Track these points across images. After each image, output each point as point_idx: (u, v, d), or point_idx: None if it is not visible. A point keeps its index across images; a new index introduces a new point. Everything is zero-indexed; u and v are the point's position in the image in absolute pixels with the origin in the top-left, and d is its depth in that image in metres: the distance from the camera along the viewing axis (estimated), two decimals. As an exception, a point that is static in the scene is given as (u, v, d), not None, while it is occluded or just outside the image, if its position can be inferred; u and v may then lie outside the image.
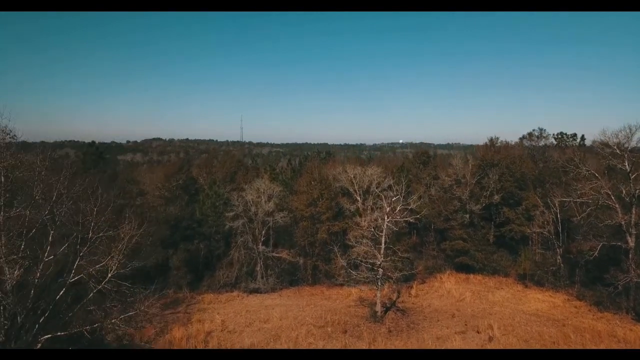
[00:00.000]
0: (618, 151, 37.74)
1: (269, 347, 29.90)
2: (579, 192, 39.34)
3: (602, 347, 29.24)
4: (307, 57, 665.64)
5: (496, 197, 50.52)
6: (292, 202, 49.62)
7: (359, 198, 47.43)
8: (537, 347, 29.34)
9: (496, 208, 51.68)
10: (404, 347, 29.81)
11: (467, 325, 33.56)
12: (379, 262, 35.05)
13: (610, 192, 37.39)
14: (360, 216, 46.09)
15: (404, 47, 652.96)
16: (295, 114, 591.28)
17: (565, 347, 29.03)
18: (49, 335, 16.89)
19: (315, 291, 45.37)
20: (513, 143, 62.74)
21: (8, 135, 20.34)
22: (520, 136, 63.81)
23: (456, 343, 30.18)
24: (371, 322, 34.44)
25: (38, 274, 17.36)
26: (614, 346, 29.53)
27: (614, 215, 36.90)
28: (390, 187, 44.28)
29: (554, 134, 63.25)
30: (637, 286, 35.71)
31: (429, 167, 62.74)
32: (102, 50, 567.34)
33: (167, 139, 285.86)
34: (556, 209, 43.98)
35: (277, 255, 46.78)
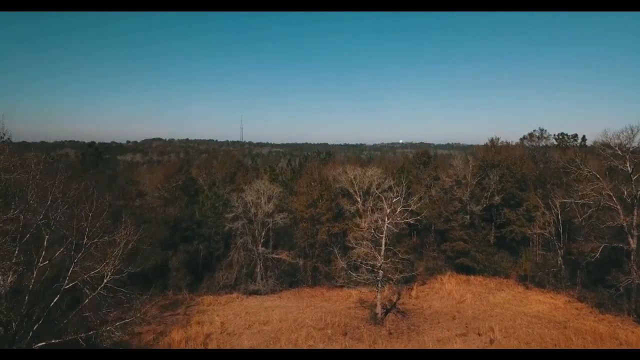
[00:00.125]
0: (619, 152, 37.53)
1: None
2: (580, 193, 39.14)
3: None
4: (307, 57, 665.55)
5: (497, 198, 50.31)
6: (292, 203, 49.42)
7: (359, 199, 47.23)
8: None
9: (497, 209, 51.47)
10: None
11: (468, 327, 33.37)
12: (379, 264, 34.86)
13: (611, 194, 37.18)
14: (361, 217, 45.88)
15: (404, 47, 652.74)
16: (295, 114, 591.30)
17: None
18: (43, 343, 16.59)
19: (315, 293, 45.17)
20: (514, 144, 62.58)
21: (1, 139, 19.96)
22: (521, 137, 63.70)
23: (457, 346, 30.00)
24: (371, 324, 34.25)
25: (32, 280, 17.09)
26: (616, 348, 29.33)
27: (616, 217, 36.70)
28: (390, 188, 44.04)
29: (554, 135, 63.12)
30: (638, 288, 35.52)
31: (430, 167, 62.49)
32: (102, 50, 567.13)
33: (167, 139, 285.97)
34: (557, 210, 43.78)
35: (276, 256, 46.57)
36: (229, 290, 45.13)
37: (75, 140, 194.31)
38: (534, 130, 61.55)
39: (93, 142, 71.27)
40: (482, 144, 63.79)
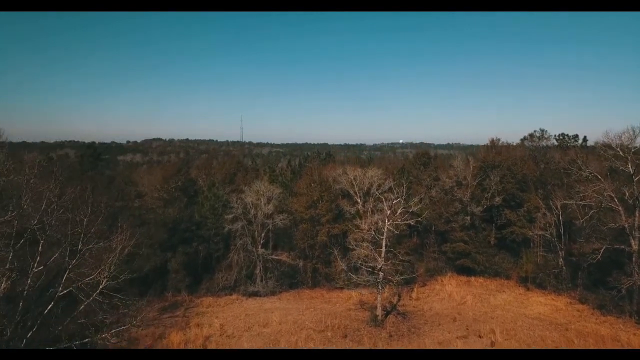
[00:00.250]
0: (621, 153, 37.27)
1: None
2: (581, 195, 38.90)
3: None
4: (307, 57, 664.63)
5: (497, 198, 50.08)
6: (291, 204, 49.21)
7: (359, 200, 47.01)
8: (540, 352, 28.91)
9: (497, 210, 51.23)
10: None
11: (469, 329, 33.16)
12: (379, 266, 34.64)
13: (613, 195, 36.93)
14: (361, 218, 45.66)
15: (404, 47, 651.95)
16: (295, 114, 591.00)
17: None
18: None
19: (315, 294, 44.95)
20: (514, 144, 62.27)
21: None
22: (522, 137, 63.39)
23: (458, 348, 29.76)
24: (372, 327, 34.03)
25: (27, 286, 16.81)
26: (618, 351, 29.11)
27: (617, 218, 36.46)
28: (390, 189, 43.81)
29: (555, 135, 62.82)
30: (640, 290, 35.28)
31: (430, 168, 62.24)
32: (102, 50, 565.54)
33: (167, 139, 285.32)
34: (558, 211, 43.55)
35: (276, 257, 46.36)
36: (229, 291, 44.91)
37: (76, 140, 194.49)
38: (535, 131, 61.29)
39: (93, 143, 71.54)
40: (483, 144, 63.56)
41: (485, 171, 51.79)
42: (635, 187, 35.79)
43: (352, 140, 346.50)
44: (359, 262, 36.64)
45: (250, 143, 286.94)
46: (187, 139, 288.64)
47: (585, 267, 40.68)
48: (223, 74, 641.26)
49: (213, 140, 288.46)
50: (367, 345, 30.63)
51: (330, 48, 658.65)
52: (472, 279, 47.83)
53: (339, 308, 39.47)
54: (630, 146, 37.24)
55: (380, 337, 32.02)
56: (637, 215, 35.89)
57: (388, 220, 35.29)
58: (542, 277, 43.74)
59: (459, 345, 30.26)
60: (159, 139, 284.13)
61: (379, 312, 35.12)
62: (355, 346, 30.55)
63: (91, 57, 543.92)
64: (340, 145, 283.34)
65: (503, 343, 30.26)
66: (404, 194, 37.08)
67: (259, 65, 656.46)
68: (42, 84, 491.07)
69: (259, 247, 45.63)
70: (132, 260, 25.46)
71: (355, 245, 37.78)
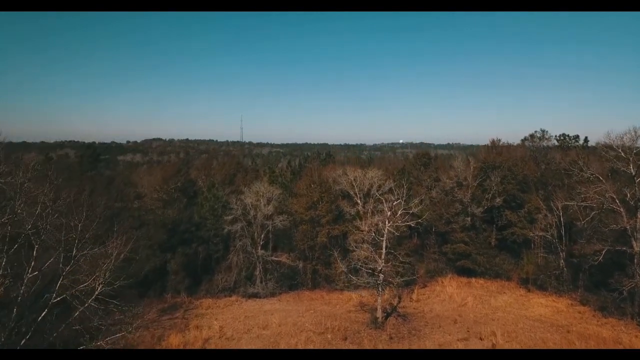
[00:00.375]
0: (623, 154, 37.02)
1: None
2: (582, 196, 38.67)
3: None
4: (307, 57, 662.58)
5: (498, 199, 49.86)
6: (291, 205, 49.01)
7: (359, 201, 46.79)
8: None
9: (498, 211, 51.02)
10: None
11: (470, 331, 32.95)
12: (379, 267, 34.45)
13: (614, 196, 36.71)
14: (361, 220, 45.44)
15: (404, 47, 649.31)
16: (295, 114, 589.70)
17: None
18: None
19: (315, 296, 44.76)
20: (515, 144, 62.04)
21: None
22: (522, 137, 63.10)
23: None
24: (372, 329, 33.84)
25: (21, 292, 16.57)
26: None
27: (619, 219, 36.23)
28: (391, 190, 43.58)
29: (556, 136, 62.54)
30: (642, 291, 35.06)
31: (430, 168, 62.00)
32: (102, 50, 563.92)
33: (167, 139, 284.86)
34: (559, 212, 43.34)
35: (276, 259, 46.15)
36: (228, 293, 44.72)
37: (76, 140, 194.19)
38: (535, 131, 60.97)
39: (93, 143, 71.35)
40: (483, 144, 63.33)
41: (486, 172, 51.58)
42: (637, 189, 35.57)
43: (352, 141, 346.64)
44: (359, 263, 36.43)
45: (250, 143, 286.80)
46: (187, 139, 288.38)
47: (586, 269, 40.47)
48: (223, 74, 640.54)
49: (213, 140, 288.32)
50: (367, 347, 30.41)
51: (330, 48, 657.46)
52: (473, 280, 47.62)
53: (339, 310, 39.28)
54: (632, 147, 36.97)
55: (381, 340, 31.82)
56: (639, 216, 35.67)
57: (388, 222, 35.09)
58: (543, 278, 43.53)
59: (460, 347, 30.04)
60: (159, 139, 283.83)
61: (379, 314, 34.93)
62: (355, 348, 30.33)
63: (91, 57, 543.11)
64: (340, 145, 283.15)
65: (504, 345, 30.04)
66: (404, 195, 36.87)
67: (259, 65, 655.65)
68: (42, 84, 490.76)
69: (259, 248, 45.44)
70: (129, 266, 25.15)
71: (356, 247, 37.57)
